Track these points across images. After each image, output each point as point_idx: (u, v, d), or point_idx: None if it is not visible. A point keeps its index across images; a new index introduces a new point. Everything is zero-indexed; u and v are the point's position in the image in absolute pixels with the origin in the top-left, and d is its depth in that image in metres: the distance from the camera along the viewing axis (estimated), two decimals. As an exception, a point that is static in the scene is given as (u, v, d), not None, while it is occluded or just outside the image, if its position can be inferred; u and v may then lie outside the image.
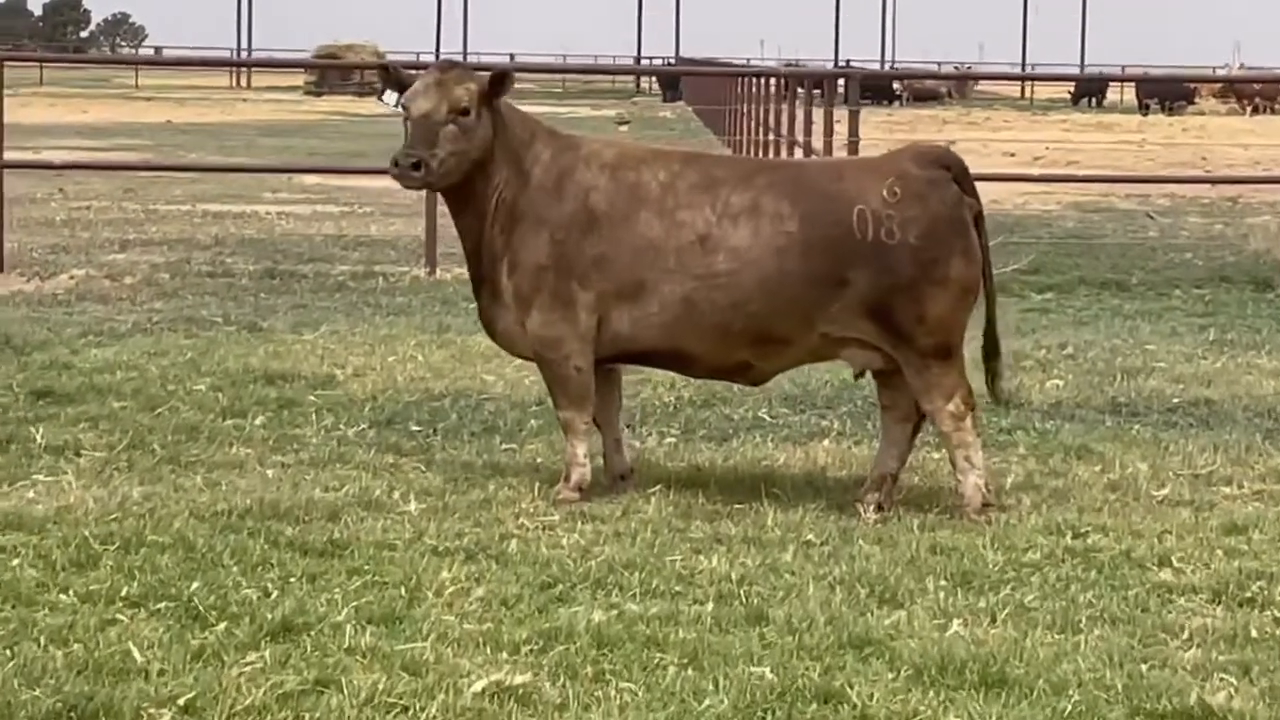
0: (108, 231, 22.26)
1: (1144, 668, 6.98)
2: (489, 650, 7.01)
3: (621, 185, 9.19)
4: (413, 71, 9.64)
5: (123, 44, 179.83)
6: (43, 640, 6.95)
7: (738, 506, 9.23)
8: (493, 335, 9.62)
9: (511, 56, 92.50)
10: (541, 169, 9.24)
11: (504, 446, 10.48)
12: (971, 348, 9.54)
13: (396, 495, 9.26)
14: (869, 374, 9.47)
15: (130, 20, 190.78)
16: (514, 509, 9.06)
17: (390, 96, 9.44)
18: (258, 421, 11.00)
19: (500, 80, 9.27)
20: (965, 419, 9.11)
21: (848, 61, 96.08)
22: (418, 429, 10.78)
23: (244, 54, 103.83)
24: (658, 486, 9.46)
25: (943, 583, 8.02)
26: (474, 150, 9.14)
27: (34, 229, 21.91)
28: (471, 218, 9.33)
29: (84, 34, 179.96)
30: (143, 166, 27.78)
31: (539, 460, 10.11)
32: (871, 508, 9.11)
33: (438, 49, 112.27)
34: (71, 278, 17.86)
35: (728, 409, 11.62)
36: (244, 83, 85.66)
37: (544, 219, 9.18)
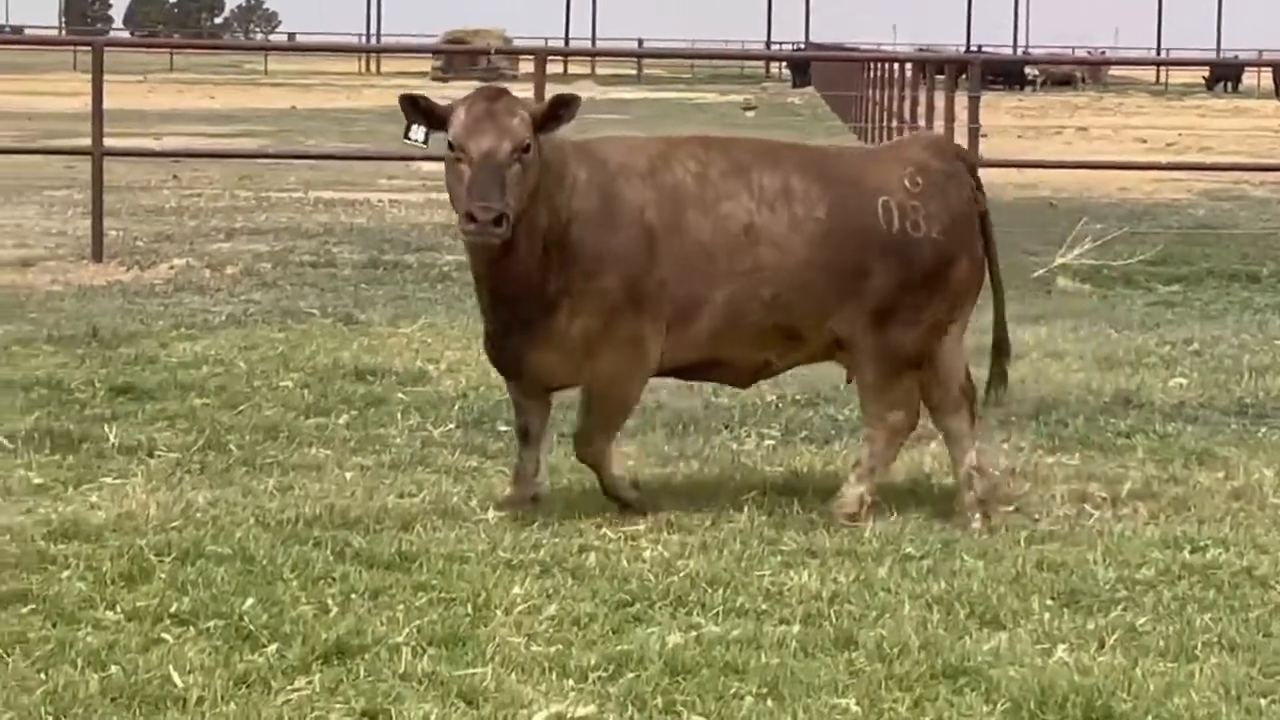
0: (216, 219, 22.07)
1: (1263, 702, 6.46)
2: (554, 676, 6.57)
3: (664, 191, 8.39)
4: (441, 101, 8.36)
5: (256, 30, 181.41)
6: (80, 663, 6.56)
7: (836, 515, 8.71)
8: (513, 373, 8.57)
9: (640, 41, 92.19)
10: (581, 195, 8.27)
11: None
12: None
13: (474, 502, 8.84)
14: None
15: (264, 6, 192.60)
16: (596, 519, 8.59)
17: (418, 132, 8.30)
18: (341, 420, 10.63)
19: (564, 106, 8.21)
20: (899, 435, 8.72)
21: (979, 47, 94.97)
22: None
23: (373, 39, 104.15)
24: (752, 493, 9.00)
25: (1048, 602, 7.52)
26: (529, 190, 8.07)
27: (141, 216, 21.77)
28: (512, 262, 8.17)
29: (218, 20, 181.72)
30: (247, 154, 27.59)
31: (629, 464, 9.62)
32: (977, 509, 8.65)
33: (566, 34, 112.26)
34: (171, 267, 17.58)
35: (832, 409, 11.12)
36: (372, 68, 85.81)
37: (603, 253, 8.28)
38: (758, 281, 8.46)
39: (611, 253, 8.27)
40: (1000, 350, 9.17)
